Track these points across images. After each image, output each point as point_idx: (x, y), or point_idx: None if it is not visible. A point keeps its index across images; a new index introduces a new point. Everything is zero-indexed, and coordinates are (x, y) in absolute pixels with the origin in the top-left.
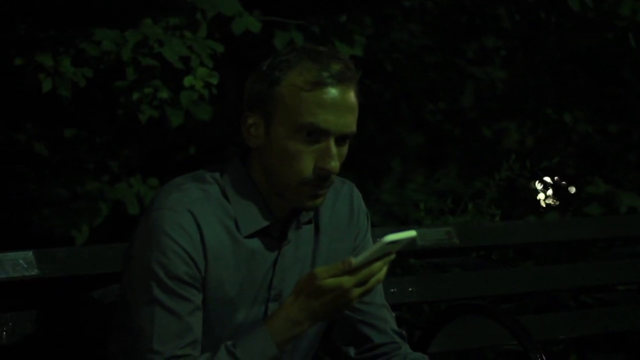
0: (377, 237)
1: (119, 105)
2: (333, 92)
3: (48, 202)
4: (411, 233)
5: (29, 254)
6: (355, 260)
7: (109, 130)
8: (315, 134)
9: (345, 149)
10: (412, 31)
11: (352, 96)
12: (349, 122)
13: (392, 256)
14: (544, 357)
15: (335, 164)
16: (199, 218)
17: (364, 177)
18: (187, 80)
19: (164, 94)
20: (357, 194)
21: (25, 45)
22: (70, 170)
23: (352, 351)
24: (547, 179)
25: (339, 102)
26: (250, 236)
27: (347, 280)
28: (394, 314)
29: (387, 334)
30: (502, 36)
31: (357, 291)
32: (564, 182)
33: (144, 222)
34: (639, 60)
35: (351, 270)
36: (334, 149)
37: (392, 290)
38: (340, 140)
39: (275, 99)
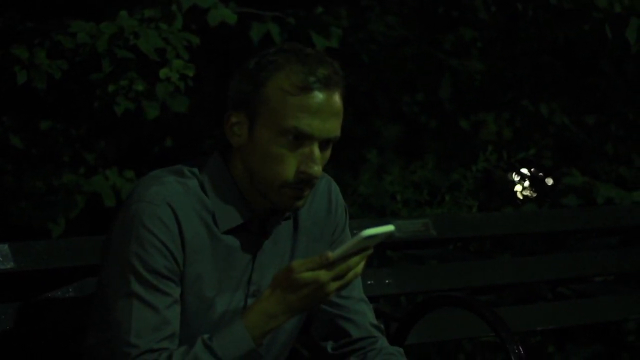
0: (354, 230)
1: (94, 97)
2: (319, 97)
3: (25, 194)
4: (389, 228)
5: (5, 246)
6: (332, 254)
7: (85, 123)
8: (299, 138)
9: (328, 152)
10: (389, 23)
11: (337, 101)
12: (334, 127)
13: (370, 251)
14: (521, 348)
15: (318, 169)
16: (178, 212)
17: (341, 169)
18: (163, 73)
19: (140, 86)
20: (335, 187)
21: (0, 37)
22: (47, 163)
23: (330, 346)
24: (524, 170)
25: (325, 107)
26: (229, 232)
27: (324, 274)
28: (371, 306)
29: (365, 329)
30: (479, 28)
31: (334, 285)
32: (541, 174)
33: (123, 215)
34: (616, 52)
35: (328, 264)
36: (317, 153)
37: (369, 282)
38: (324, 144)
39: (261, 100)
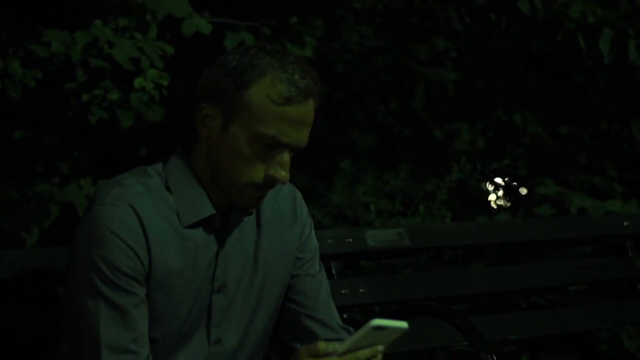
0: (327, 239)
1: (68, 106)
2: (299, 108)
3: None
4: (402, 324)
5: None
6: (340, 347)
7: (59, 132)
8: (274, 145)
9: (291, 157)
10: (363, 33)
11: (312, 111)
12: (306, 136)
13: (381, 348)
14: (494, 357)
15: (286, 174)
16: (140, 211)
17: (315, 178)
18: (138, 82)
19: (114, 96)
20: (299, 194)
21: None
22: (20, 173)
23: (298, 347)
24: (498, 180)
25: (302, 118)
26: (192, 227)
27: None
28: (345, 316)
29: (334, 330)
30: (453, 38)
31: None
32: (514, 184)
33: (86, 220)
34: (589, 62)
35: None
36: (287, 160)
37: (343, 291)
38: (291, 150)
39: (241, 103)
